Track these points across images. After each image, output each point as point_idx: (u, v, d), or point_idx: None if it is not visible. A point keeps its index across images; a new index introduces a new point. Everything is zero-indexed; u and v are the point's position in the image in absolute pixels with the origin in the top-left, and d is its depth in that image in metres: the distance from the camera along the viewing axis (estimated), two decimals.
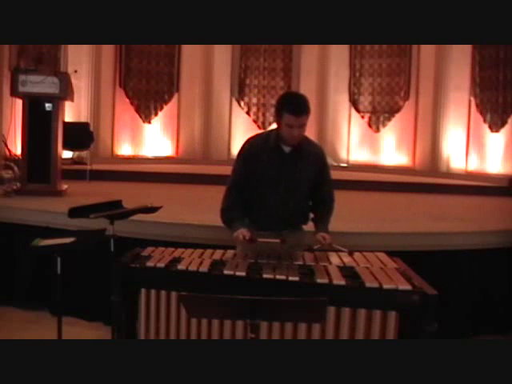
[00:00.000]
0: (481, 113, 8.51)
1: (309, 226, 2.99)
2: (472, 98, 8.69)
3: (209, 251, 2.74)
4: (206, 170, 8.18)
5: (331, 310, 2.24)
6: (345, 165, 9.95)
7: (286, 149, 2.78)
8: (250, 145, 2.86)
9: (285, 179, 2.78)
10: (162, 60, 10.04)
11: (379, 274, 2.39)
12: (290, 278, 2.35)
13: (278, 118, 2.72)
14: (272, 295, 1.90)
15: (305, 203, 2.93)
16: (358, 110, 10.08)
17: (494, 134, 8.26)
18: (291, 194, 2.81)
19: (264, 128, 10.20)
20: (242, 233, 2.70)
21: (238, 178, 2.86)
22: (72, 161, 8.38)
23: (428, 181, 8.19)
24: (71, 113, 8.32)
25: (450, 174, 8.79)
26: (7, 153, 7.12)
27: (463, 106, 8.82)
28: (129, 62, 9.73)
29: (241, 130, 10.34)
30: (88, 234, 3.10)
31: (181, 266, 2.48)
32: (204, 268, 2.46)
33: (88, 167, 7.31)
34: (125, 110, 9.73)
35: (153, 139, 10.01)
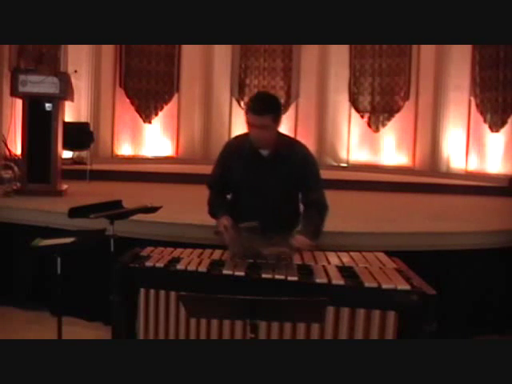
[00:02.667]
0: (481, 113, 8.51)
1: None
2: (472, 98, 8.69)
3: (208, 251, 2.74)
4: (206, 170, 8.13)
5: (330, 310, 2.24)
6: (345, 165, 9.95)
7: (264, 152, 2.70)
8: (229, 146, 2.85)
9: (264, 183, 2.68)
10: (162, 60, 10.03)
11: (378, 273, 2.39)
12: (289, 278, 2.35)
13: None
14: (271, 295, 1.90)
15: (291, 207, 2.83)
16: (357, 110, 10.08)
17: (494, 134, 8.25)
18: (272, 199, 2.71)
19: None
20: (223, 222, 2.63)
21: (214, 176, 2.86)
22: (72, 161, 8.38)
23: (428, 181, 8.19)
24: (71, 113, 8.31)
25: (450, 174, 8.78)
26: (7, 153, 7.11)
27: (463, 106, 8.81)
28: (129, 61, 9.72)
29: (241, 130, 10.17)
30: (88, 234, 3.10)
31: (180, 266, 2.48)
32: (203, 268, 2.46)
33: (88, 167, 7.31)
34: (125, 109, 9.73)
35: (153, 139, 10.01)
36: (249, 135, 2.72)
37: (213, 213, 2.81)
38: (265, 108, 2.57)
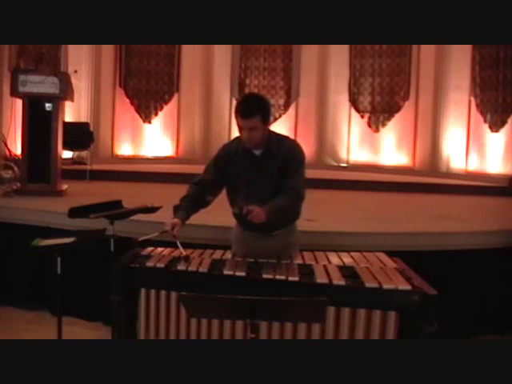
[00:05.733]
0: (481, 113, 8.51)
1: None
2: (472, 98, 8.68)
3: (208, 251, 2.74)
4: None
5: (331, 310, 2.24)
6: (345, 165, 9.95)
7: (257, 151, 2.73)
8: (223, 149, 2.85)
9: (258, 182, 2.71)
10: (162, 60, 10.02)
11: (379, 273, 2.39)
12: (290, 278, 2.35)
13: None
14: (272, 295, 1.90)
15: None
16: (357, 110, 10.07)
17: (494, 134, 8.25)
18: (268, 196, 2.69)
19: None
20: (173, 222, 2.66)
21: (205, 175, 2.83)
22: (72, 161, 8.38)
23: (428, 181, 8.18)
24: (71, 113, 8.31)
25: (450, 174, 8.78)
26: (7, 153, 7.12)
27: (463, 106, 8.81)
28: (129, 61, 9.71)
29: None
30: (88, 234, 3.10)
31: (180, 266, 2.48)
32: (204, 268, 2.46)
33: (88, 167, 7.31)
34: (125, 109, 9.72)
35: (153, 139, 10.00)
36: (240, 138, 2.75)
37: (174, 211, 2.79)
38: (251, 110, 2.60)
